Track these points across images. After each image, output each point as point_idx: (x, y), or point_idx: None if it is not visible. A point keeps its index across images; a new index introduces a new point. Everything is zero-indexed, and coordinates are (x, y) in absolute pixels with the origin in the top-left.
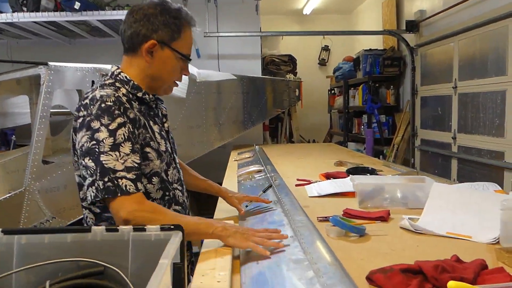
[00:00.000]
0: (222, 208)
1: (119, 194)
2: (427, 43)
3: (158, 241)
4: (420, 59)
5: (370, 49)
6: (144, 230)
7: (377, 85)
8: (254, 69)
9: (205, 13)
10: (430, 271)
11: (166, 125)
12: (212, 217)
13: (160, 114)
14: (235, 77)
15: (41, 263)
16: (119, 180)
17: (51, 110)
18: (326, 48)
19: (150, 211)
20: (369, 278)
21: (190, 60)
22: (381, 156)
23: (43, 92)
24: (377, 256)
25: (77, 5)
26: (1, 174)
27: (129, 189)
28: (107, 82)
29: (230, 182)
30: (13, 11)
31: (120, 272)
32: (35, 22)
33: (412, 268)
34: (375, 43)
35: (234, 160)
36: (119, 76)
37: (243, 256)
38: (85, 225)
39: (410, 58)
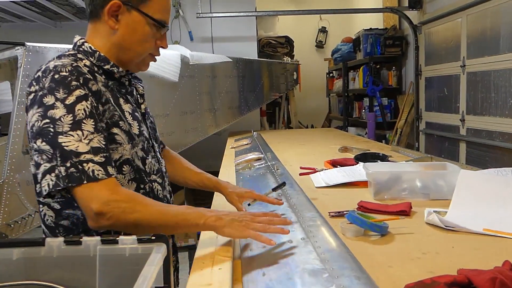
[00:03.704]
0: (219, 203)
1: (85, 182)
2: (432, 20)
3: (135, 256)
4: (424, 38)
5: (370, 29)
6: (116, 242)
7: (378, 66)
8: (250, 52)
9: None
10: (484, 285)
11: (142, 106)
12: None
13: (134, 93)
14: (230, 60)
15: None
16: (84, 164)
17: None
18: (323, 30)
19: (127, 201)
20: None
21: (165, 27)
22: (383, 141)
23: (21, 76)
24: (408, 261)
25: None
26: None
27: (97, 174)
28: (67, 53)
29: (227, 172)
30: None
31: None
32: (14, 2)
33: (459, 281)
34: (375, 23)
35: (231, 148)
36: (83, 46)
37: (245, 264)
38: (42, 225)
39: (413, 37)
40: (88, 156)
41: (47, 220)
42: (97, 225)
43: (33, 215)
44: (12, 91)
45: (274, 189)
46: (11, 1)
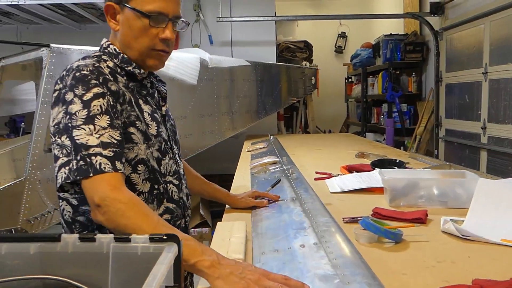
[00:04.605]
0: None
1: (91, 174)
2: (454, 26)
3: (146, 255)
4: (445, 44)
5: (390, 34)
6: (129, 240)
7: (397, 72)
8: (269, 56)
9: None
10: None
11: (163, 108)
12: (223, 210)
13: (156, 95)
14: (249, 63)
15: None
16: (92, 157)
17: None
18: (342, 35)
19: (124, 202)
20: None
21: (151, 17)
22: (402, 148)
23: (45, 76)
24: (422, 269)
25: None
26: (7, 162)
27: (104, 167)
28: (92, 54)
29: (242, 175)
30: None
31: None
32: (41, 4)
33: None
34: (395, 29)
35: (247, 151)
36: (108, 48)
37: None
38: (61, 220)
39: (434, 43)
40: (97, 150)
41: (65, 215)
42: (95, 218)
43: (52, 212)
44: (36, 91)
45: (272, 186)
46: (38, 4)
